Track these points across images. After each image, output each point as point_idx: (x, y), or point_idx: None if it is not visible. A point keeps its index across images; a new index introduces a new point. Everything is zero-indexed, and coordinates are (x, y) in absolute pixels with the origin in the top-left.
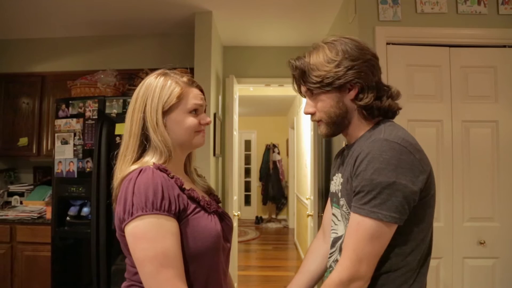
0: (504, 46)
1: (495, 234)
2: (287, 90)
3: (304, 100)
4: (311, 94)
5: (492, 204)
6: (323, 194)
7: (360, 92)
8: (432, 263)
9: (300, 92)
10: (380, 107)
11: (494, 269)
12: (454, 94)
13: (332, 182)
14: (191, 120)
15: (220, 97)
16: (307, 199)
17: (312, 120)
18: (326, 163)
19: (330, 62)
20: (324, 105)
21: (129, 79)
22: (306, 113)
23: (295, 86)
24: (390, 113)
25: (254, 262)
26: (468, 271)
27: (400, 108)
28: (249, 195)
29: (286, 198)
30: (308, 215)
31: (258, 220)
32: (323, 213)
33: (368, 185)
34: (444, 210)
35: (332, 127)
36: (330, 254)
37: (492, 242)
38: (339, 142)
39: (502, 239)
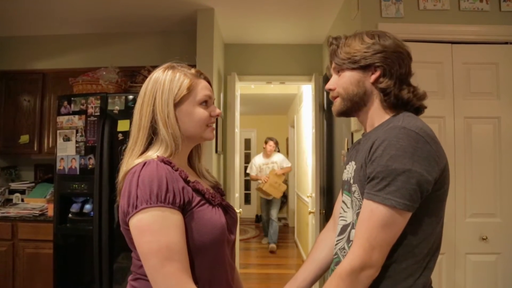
0: (506, 43)
1: (497, 230)
2: (288, 88)
3: (305, 99)
4: (337, 71)
5: (494, 200)
6: (325, 191)
7: (381, 77)
8: None
9: (330, 72)
10: (398, 96)
11: (497, 264)
12: (456, 91)
13: (344, 171)
14: (202, 112)
15: (221, 95)
16: (308, 197)
17: (330, 96)
18: (328, 161)
19: (363, 43)
20: (344, 80)
21: (131, 76)
22: (327, 89)
23: (329, 64)
24: (409, 107)
25: (254, 260)
26: (470, 267)
27: (424, 107)
28: (249, 193)
29: (286, 196)
30: (310, 212)
31: (258, 218)
32: (325, 210)
33: (383, 172)
34: (447, 206)
35: (347, 104)
36: (337, 241)
37: (494, 238)
38: (341, 140)
39: (504, 234)
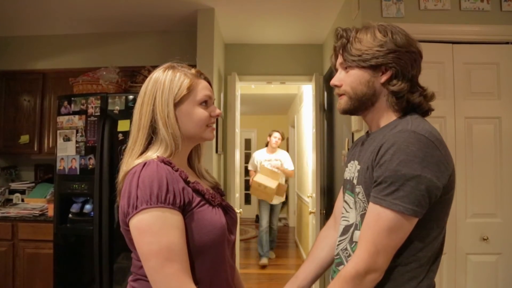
0: (507, 43)
1: (498, 230)
2: (288, 88)
3: (305, 99)
4: (344, 67)
5: (495, 200)
6: (326, 191)
7: (393, 78)
8: None
9: (334, 65)
10: (410, 100)
11: (497, 265)
12: (457, 91)
13: (346, 169)
14: (202, 112)
15: (222, 95)
16: (308, 197)
17: (336, 92)
18: (328, 161)
19: (375, 40)
20: (353, 79)
21: (131, 76)
22: (332, 85)
23: (332, 57)
24: (419, 111)
25: (254, 260)
26: (471, 267)
27: (432, 109)
28: (249, 193)
29: (286, 196)
30: (310, 213)
31: (258, 218)
32: (325, 210)
33: (392, 176)
34: None
35: (354, 103)
36: (339, 242)
37: (495, 238)
38: (342, 140)
39: (505, 235)
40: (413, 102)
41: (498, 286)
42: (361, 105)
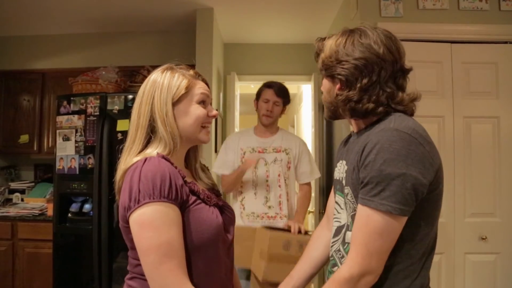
0: (506, 42)
1: (496, 230)
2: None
3: (304, 98)
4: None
5: (494, 199)
6: (325, 191)
7: (342, 88)
8: (434, 258)
9: None
10: (357, 109)
11: (496, 264)
12: (456, 90)
13: (335, 169)
14: (200, 110)
15: (221, 94)
16: None
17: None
18: (327, 160)
19: (331, 50)
20: (323, 89)
21: (131, 76)
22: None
23: None
24: (373, 115)
25: None
26: (469, 267)
27: (404, 110)
28: None
29: None
30: (309, 212)
31: None
32: (324, 209)
33: (377, 177)
34: (446, 206)
35: (327, 111)
36: (332, 243)
37: (493, 238)
38: (340, 139)
39: (503, 234)
40: (359, 110)
41: (497, 285)
42: (333, 113)
